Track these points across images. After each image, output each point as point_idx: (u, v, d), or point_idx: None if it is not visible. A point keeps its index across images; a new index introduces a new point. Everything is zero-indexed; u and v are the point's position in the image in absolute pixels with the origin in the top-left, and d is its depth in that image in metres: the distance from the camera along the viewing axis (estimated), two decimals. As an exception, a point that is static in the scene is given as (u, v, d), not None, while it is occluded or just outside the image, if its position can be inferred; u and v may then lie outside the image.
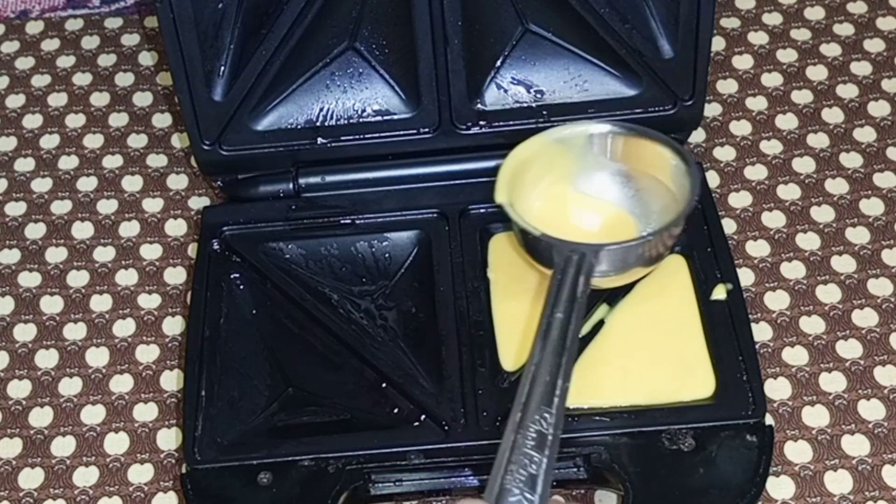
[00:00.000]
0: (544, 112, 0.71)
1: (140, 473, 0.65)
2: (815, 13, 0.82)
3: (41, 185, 0.78)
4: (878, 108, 0.77)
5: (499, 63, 0.71)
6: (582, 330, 0.66)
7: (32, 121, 0.81)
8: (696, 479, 0.60)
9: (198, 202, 0.76)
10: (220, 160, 0.71)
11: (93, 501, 0.64)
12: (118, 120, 0.81)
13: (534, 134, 0.70)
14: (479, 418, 0.62)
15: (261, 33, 0.68)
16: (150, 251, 0.74)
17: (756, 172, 0.75)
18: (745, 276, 0.70)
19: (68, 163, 0.79)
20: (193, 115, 0.69)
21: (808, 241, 0.71)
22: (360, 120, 0.71)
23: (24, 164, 0.79)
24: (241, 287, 0.69)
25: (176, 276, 0.73)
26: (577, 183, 0.68)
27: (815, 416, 0.65)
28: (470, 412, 0.63)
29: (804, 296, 0.69)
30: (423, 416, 0.63)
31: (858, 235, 0.71)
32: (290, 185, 0.72)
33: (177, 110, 0.80)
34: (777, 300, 0.69)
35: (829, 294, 0.69)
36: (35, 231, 0.75)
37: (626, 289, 0.67)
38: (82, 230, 0.75)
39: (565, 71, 0.71)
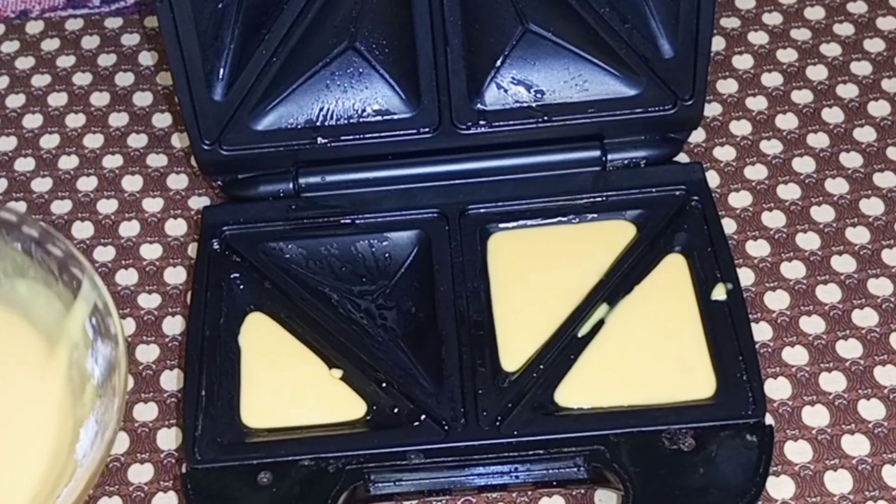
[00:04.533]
0: (544, 112, 0.71)
1: (140, 473, 0.65)
2: (815, 13, 0.82)
3: (41, 185, 0.78)
4: (878, 108, 0.77)
5: (499, 63, 0.71)
6: (582, 330, 0.66)
7: (32, 121, 0.81)
8: (696, 478, 0.60)
9: (198, 202, 0.76)
10: (220, 160, 0.71)
11: (93, 501, 0.64)
12: (118, 120, 0.80)
13: (534, 134, 0.71)
14: (479, 418, 0.62)
15: (261, 33, 0.68)
16: (150, 251, 0.74)
17: (756, 172, 0.75)
18: (745, 276, 0.70)
19: (68, 163, 0.78)
20: (193, 115, 0.69)
21: (808, 241, 0.71)
22: (360, 120, 0.71)
23: (24, 164, 0.79)
24: (241, 287, 0.69)
25: (176, 276, 0.73)
26: None
27: (815, 416, 0.65)
28: (470, 412, 0.63)
29: (804, 296, 0.69)
30: (423, 416, 0.63)
31: (858, 235, 0.71)
32: (290, 185, 0.72)
33: (177, 110, 0.80)
34: (777, 300, 0.69)
35: (829, 294, 0.69)
36: (35, 231, 0.75)
37: (626, 289, 0.67)
38: (82, 230, 0.75)
39: (565, 71, 0.71)
